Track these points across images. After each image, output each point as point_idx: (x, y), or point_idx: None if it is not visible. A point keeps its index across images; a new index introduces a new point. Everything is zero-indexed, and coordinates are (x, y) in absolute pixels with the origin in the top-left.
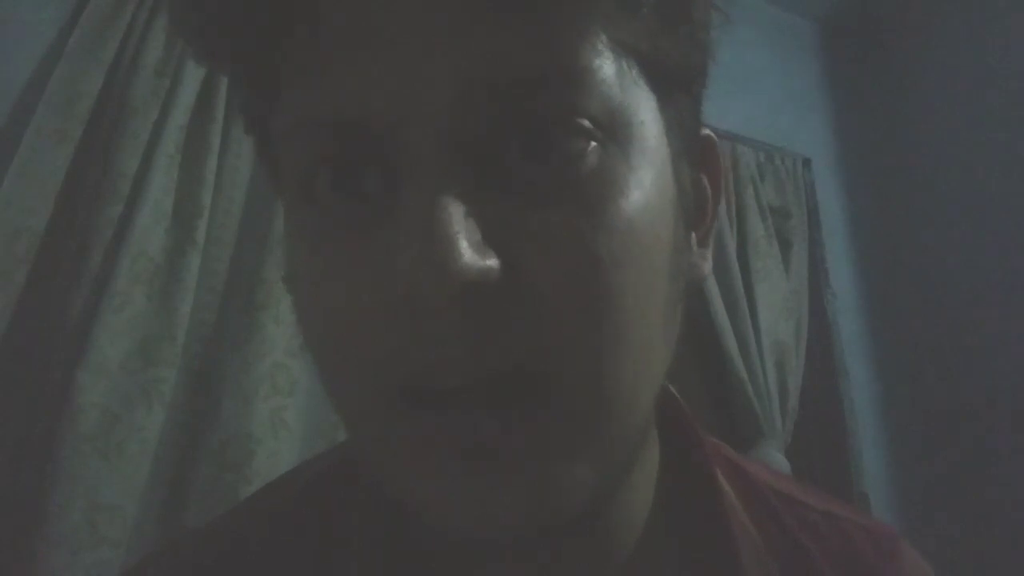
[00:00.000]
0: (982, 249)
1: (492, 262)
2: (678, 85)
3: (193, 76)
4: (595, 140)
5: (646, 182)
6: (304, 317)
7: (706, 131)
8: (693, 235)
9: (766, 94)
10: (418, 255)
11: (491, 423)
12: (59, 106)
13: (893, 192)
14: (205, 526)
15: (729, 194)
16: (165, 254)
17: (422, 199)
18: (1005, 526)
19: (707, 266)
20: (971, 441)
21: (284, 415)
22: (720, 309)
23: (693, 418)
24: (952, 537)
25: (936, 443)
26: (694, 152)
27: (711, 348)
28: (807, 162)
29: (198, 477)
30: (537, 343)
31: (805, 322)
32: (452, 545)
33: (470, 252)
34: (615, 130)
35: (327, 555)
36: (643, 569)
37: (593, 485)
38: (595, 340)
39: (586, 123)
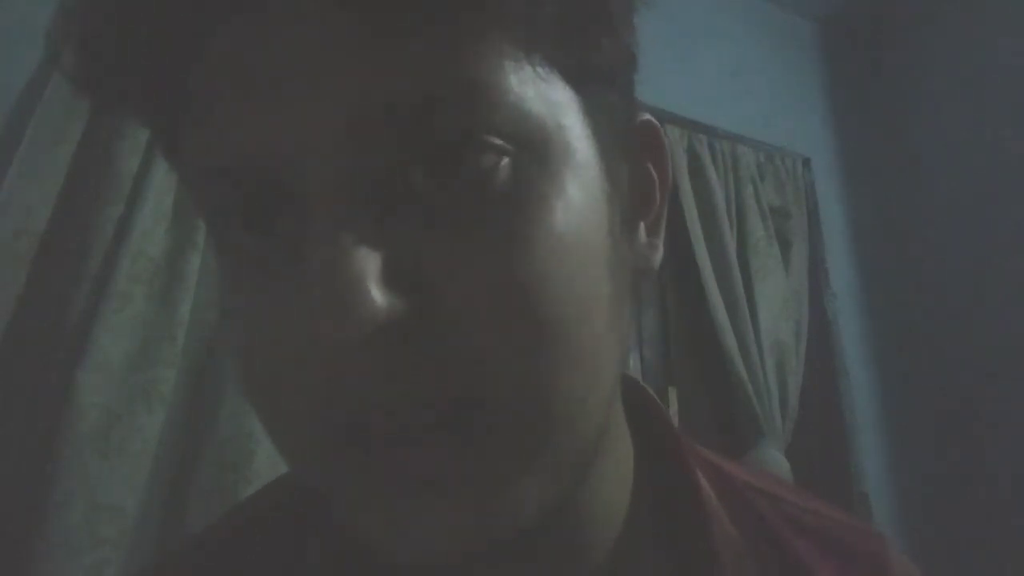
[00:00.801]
0: (982, 249)
1: (400, 300)
2: (600, 80)
3: None
4: (506, 154)
5: (569, 188)
6: (234, 359)
7: (645, 116)
8: (641, 225)
9: (766, 94)
10: (320, 302)
11: (436, 455)
12: (59, 106)
13: (893, 192)
14: (183, 543)
15: (729, 194)
16: (165, 254)
17: (324, 240)
18: (1005, 526)
19: (658, 255)
20: (971, 441)
21: None
22: (720, 309)
23: (669, 417)
24: (952, 537)
25: (936, 443)
26: (632, 143)
27: (711, 348)
28: (807, 162)
29: (198, 477)
30: (467, 372)
31: (805, 322)
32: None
33: (375, 293)
34: (528, 140)
35: (312, 558)
36: (623, 566)
37: (542, 499)
38: (527, 361)
39: (492, 138)
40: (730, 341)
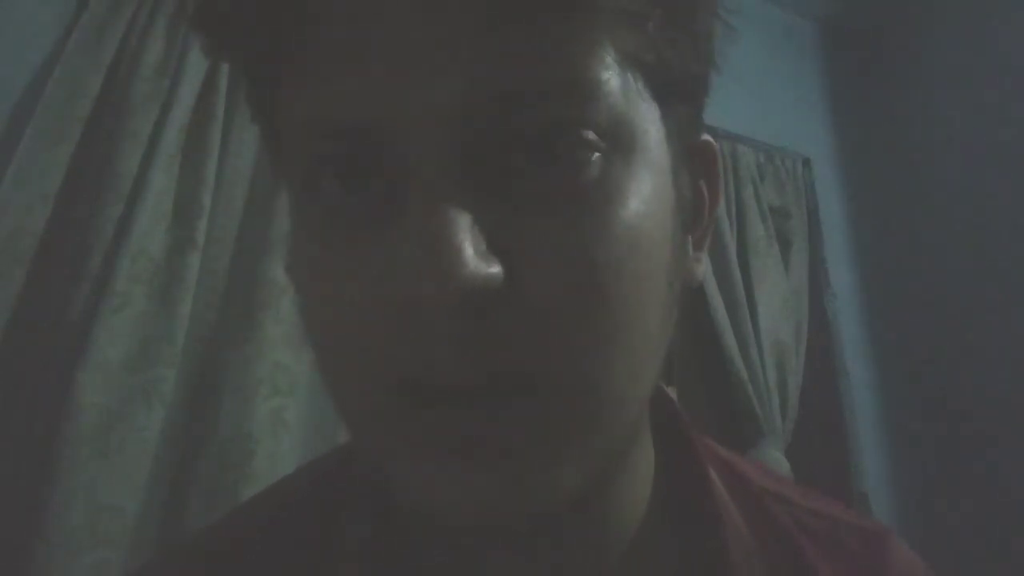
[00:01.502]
0: (982, 249)
1: (495, 270)
2: (681, 95)
3: (193, 76)
4: (599, 151)
5: (647, 191)
6: (305, 308)
7: (706, 137)
8: (689, 239)
9: (766, 94)
10: (422, 262)
11: (484, 419)
12: (59, 106)
13: (893, 192)
14: (204, 530)
15: (729, 194)
16: (165, 254)
17: (427, 206)
18: (1005, 526)
19: (701, 269)
20: (971, 441)
21: (284, 415)
22: (720, 309)
23: (686, 418)
24: (952, 537)
25: (936, 443)
26: (693, 159)
27: (711, 348)
28: (807, 162)
29: (198, 477)
30: (534, 346)
31: (805, 322)
32: (449, 545)
33: (474, 260)
34: (619, 141)
35: (328, 556)
36: (639, 565)
37: (576, 484)
38: (591, 344)
39: (590, 134)
40: (730, 341)
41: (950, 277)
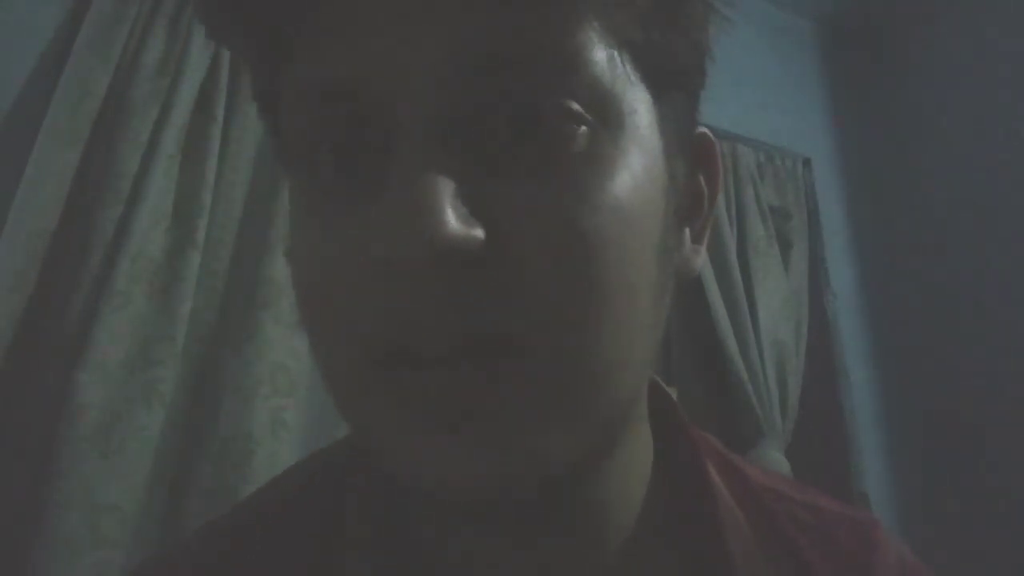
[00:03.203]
0: (982, 249)
1: (476, 232)
2: (673, 82)
3: (193, 76)
4: (585, 124)
5: (636, 167)
6: (297, 286)
7: (703, 130)
8: (687, 231)
9: (766, 94)
10: (401, 223)
11: (468, 385)
12: (68, 107)
13: (893, 192)
14: (208, 524)
15: (729, 194)
16: (165, 254)
17: (411, 171)
18: (1005, 526)
19: (699, 261)
20: (971, 441)
21: (284, 415)
22: (720, 309)
23: (683, 413)
24: (952, 537)
25: (936, 443)
26: (689, 150)
27: (711, 348)
28: (807, 162)
29: (198, 477)
30: (518, 311)
31: (805, 322)
32: (448, 535)
33: (454, 222)
34: (605, 116)
35: (332, 548)
36: (636, 559)
37: (565, 456)
38: (576, 311)
39: (575, 106)
40: (730, 341)
41: (950, 277)
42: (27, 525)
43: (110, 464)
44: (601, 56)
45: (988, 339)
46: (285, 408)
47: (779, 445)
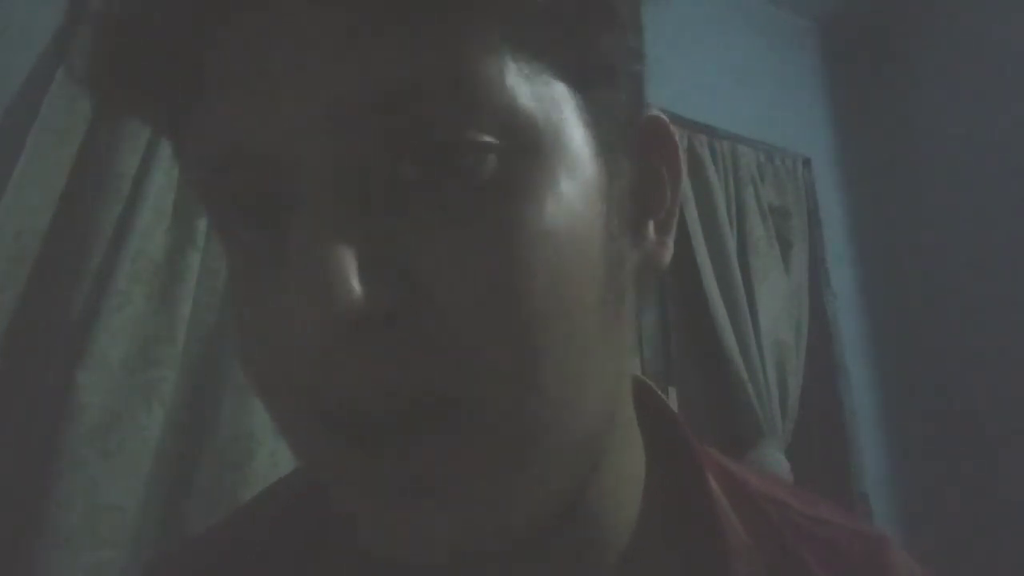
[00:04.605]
0: (982, 248)
1: (384, 293)
2: (600, 77)
3: None
4: (492, 150)
5: (562, 183)
6: (234, 350)
7: (654, 113)
8: (651, 224)
9: (766, 94)
10: (300, 294)
11: (417, 454)
12: (62, 106)
13: (893, 192)
14: (198, 535)
15: (729, 194)
16: (165, 254)
17: (306, 233)
18: (1005, 526)
19: (667, 253)
20: (971, 441)
21: None
22: (720, 309)
23: (683, 424)
24: (952, 537)
25: (936, 443)
26: (634, 140)
27: (711, 348)
28: (807, 162)
29: (198, 477)
30: (450, 368)
31: (805, 322)
32: None
33: (355, 285)
34: (517, 135)
35: (325, 558)
36: (634, 569)
37: (533, 502)
38: (512, 359)
39: (478, 133)
40: (730, 341)
41: (950, 277)
42: (27, 525)
43: (110, 464)
44: (501, 75)
45: (988, 339)
46: None
47: (779, 445)
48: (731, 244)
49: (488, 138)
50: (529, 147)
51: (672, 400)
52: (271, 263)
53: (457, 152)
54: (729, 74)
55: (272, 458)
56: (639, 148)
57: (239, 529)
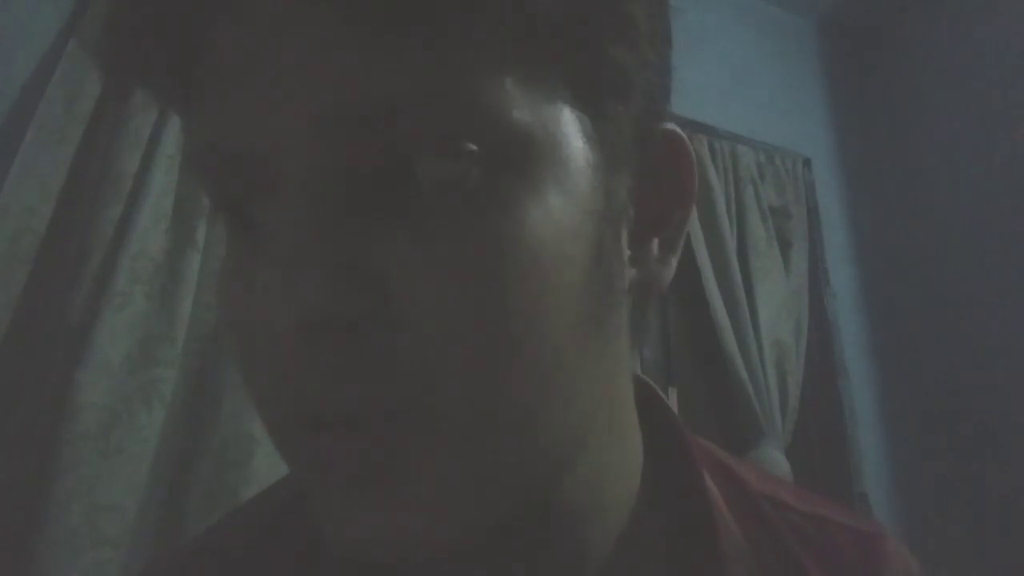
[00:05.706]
0: (982, 248)
1: (350, 296)
2: (609, 91)
3: None
4: (477, 162)
5: (551, 199)
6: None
7: (670, 127)
8: (655, 241)
9: (766, 94)
10: (268, 289)
11: (374, 453)
12: (59, 106)
13: (893, 192)
14: (191, 539)
15: (729, 194)
16: (165, 254)
17: (283, 230)
18: (1005, 526)
19: (668, 273)
20: (971, 441)
21: None
22: (720, 309)
23: (679, 421)
24: (952, 537)
25: (936, 443)
26: (646, 155)
27: (711, 348)
28: (807, 162)
29: (198, 477)
30: (411, 375)
31: (805, 322)
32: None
33: (321, 286)
34: (504, 148)
35: (318, 563)
36: (625, 566)
37: (491, 508)
38: (474, 372)
39: (463, 144)
40: (730, 341)
41: (950, 277)
42: (28, 524)
43: (110, 464)
44: (504, 88)
45: (988, 338)
46: None
47: (779, 445)
48: (731, 244)
49: (472, 148)
50: (516, 160)
51: (672, 400)
52: (250, 259)
53: (438, 162)
54: (729, 74)
55: (272, 458)
56: (651, 163)
57: (231, 533)
